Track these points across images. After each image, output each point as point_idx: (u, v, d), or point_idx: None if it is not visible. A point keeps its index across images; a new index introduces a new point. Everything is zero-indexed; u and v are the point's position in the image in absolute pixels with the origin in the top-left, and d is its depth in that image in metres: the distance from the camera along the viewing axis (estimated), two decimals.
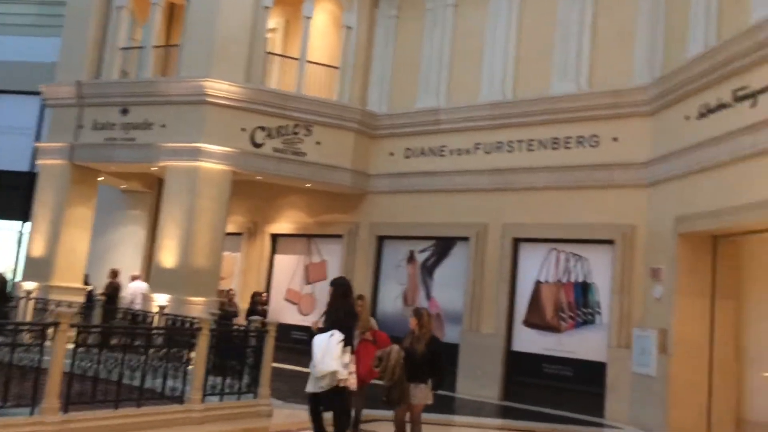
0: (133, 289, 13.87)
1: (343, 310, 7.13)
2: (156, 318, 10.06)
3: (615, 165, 11.54)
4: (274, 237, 16.29)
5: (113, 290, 14.31)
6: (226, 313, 11.11)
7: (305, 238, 15.86)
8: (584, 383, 11.34)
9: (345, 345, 6.85)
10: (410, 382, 7.01)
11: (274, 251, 16.29)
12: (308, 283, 15.62)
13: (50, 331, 6.38)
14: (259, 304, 13.15)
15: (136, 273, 14.58)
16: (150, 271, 15.56)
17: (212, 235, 13.36)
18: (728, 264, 9.97)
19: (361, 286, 13.52)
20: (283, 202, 16.07)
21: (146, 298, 13.10)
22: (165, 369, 7.68)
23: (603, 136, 11.80)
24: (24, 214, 17.48)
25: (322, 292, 14.96)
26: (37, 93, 17.71)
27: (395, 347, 7.20)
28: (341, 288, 7.37)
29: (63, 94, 14.84)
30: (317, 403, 6.96)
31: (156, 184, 16.37)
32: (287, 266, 16.02)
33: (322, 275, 15.41)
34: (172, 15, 16.61)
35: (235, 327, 9.21)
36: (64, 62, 15.28)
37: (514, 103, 12.91)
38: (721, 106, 9.30)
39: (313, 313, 14.92)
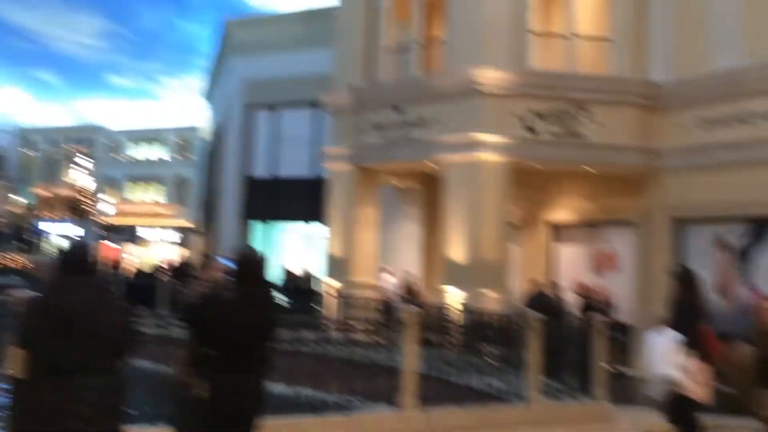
0: (392, 284, 14.33)
1: (683, 305, 6.21)
2: (461, 314, 9.90)
3: None
4: (553, 226, 15.55)
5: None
6: (551, 307, 10.54)
7: (589, 226, 14.88)
8: None
9: (685, 346, 5.95)
10: (763, 389, 6.01)
11: (554, 241, 15.57)
12: (597, 274, 14.62)
13: (400, 331, 6.34)
14: (592, 299, 12.47)
15: (389, 267, 14.98)
16: (429, 266, 15.83)
17: (496, 227, 13.03)
18: None
19: (659, 276, 12.20)
20: (559, 188, 15.23)
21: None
22: (496, 368, 7.39)
23: None
24: (310, 216, 18.80)
25: (614, 284, 13.95)
26: (308, 104, 18.98)
27: (744, 347, 6.18)
28: (682, 278, 6.44)
29: (341, 101, 15.55)
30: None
31: (426, 180, 16.52)
32: (571, 257, 15.18)
33: (612, 265, 14.34)
34: (430, 8, 16.62)
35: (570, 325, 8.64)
36: (340, 71, 16.03)
37: None
38: None
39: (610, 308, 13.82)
